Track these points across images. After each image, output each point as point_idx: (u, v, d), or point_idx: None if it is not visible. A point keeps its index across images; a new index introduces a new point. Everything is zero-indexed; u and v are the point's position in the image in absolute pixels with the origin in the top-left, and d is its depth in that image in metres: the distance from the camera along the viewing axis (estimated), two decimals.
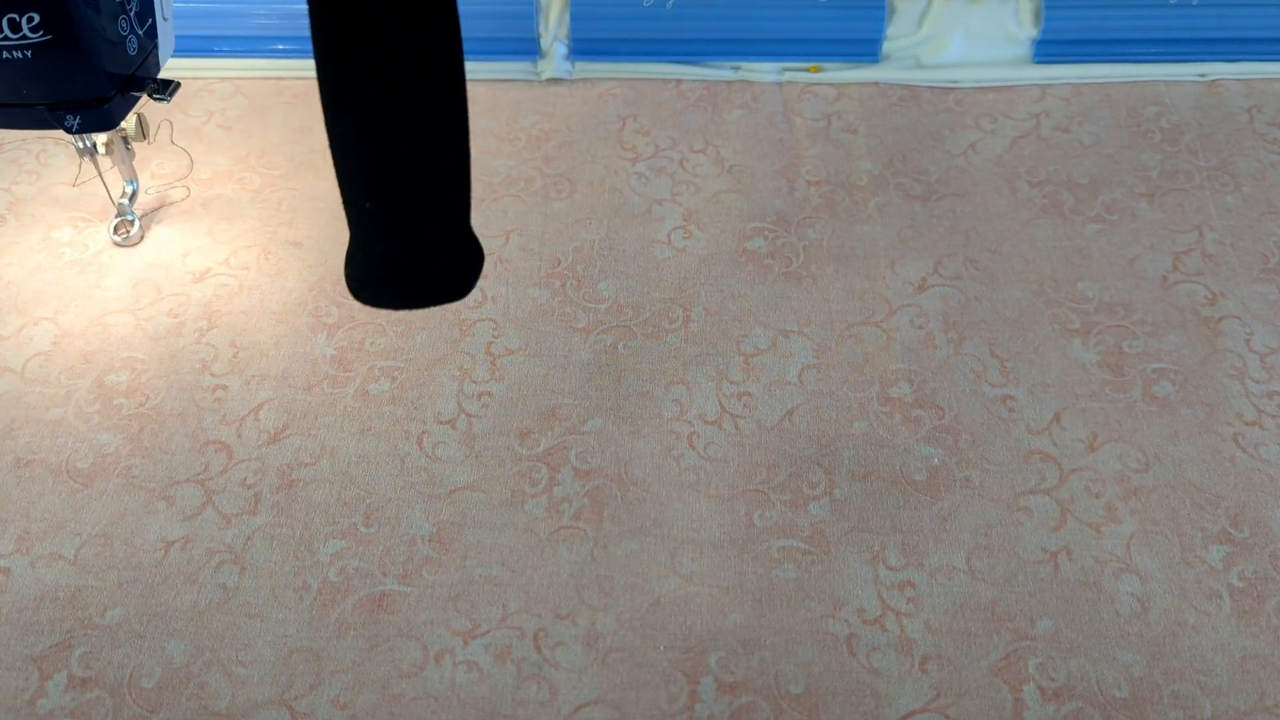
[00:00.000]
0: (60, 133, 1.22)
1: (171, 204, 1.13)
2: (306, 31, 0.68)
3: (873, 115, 1.24)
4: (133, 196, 1.10)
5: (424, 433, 0.95)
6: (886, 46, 1.31)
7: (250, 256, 1.09)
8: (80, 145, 1.02)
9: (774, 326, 1.03)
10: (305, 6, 0.67)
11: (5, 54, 0.85)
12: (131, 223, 1.10)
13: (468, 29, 1.43)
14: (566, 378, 0.99)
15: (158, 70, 0.99)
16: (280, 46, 1.30)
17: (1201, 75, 1.29)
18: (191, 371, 0.99)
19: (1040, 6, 1.29)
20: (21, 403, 0.97)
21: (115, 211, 1.10)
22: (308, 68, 1.29)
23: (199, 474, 0.92)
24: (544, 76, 1.29)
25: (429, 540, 0.88)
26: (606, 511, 0.90)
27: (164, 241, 1.10)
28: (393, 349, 1.01)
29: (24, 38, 0.85)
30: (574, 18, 1.29)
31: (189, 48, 1.28)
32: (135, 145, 1.06)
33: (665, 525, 0.89)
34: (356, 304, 1.04)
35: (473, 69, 1.29)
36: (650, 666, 0.81)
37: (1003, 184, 1.16)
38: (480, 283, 1.06)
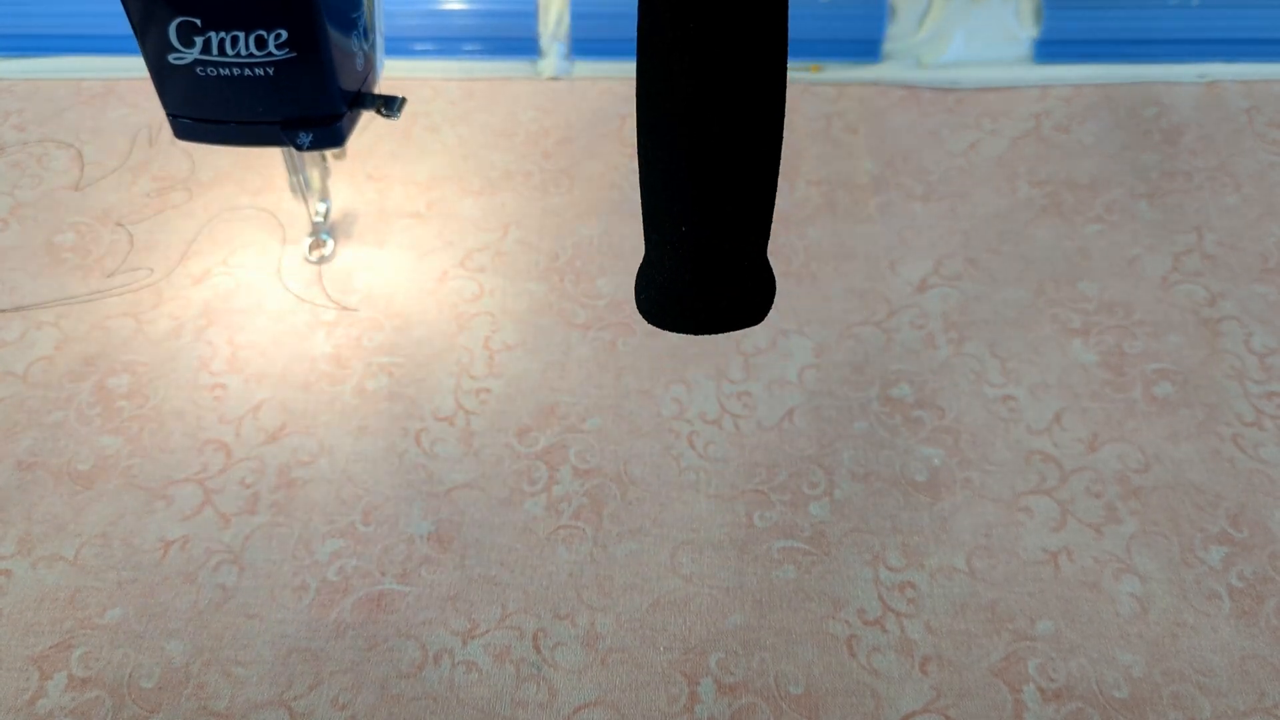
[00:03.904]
0: (63, 135, 1.23)
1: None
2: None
3: (873, 115, 1.24)
4: (326, 214, 1.09)
5: (422, 430, 0.95)
6: (887, 46, 1.31)
7: (248, 255, 1.09)
8: (292, 169, 1.02)
9: (774, 326, 1.03)
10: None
11: (249, 71, 0.84)
12: (325, 241, 1.09)
13: (467, 29, 1.43)
14: (565, 375, 0.99)
15: (375, 85, 0.97)
16: None
17: (1201, 75, 1.29)
18: (190, 370, 0.99)
19: (1040, 6, 1.29)
20: (24, 407, 0.97)
21: (310, 230, 1.10)
22: None
23: (198, 473, 0.92)
24: (544, 75, 1.29)
25: (427, 539, 0.88)
26: (606, 511, 0.90)
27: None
28: (390, 344, 1.01)
29: (269, 55, 0.83)
30: (574, 17, 1.29)
31: None
32: (331, 162, 1.07)
33: (665, 525, 0.89)
34: (354, 301, 1.04)
35: (472, 68, 1.30)
36: (650, 667, 0.81)
37: (1003, 184, 1.16)
38: (478, 276, 1.06)
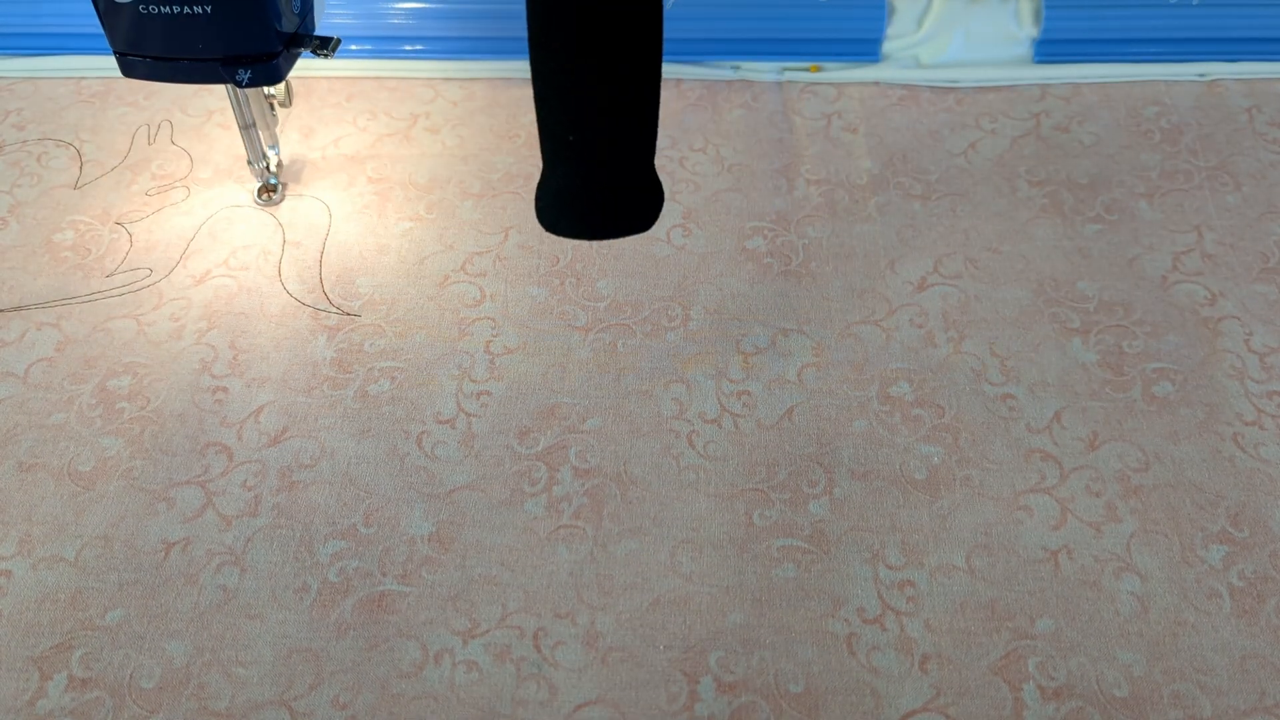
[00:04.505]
0: (63, 133, 1.23)
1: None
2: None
3: (873, 115, 1.24)
4: (275, 161, 1.15)
5: (423, 432, 0.95)
6: (886, 46, 1.31)
7: (249, 257, 1.09)
8: (239, 109, 1.07)
9: (773, 325, 1.03)
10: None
11: (188, 9, 0.92)
12: (274, 187, 1.15)
13: (466, 29, 1.43)
14: (566, 376, 0.99)
15: (314, 29, 1.03)
16: None
17: (1201, 75, 1.29)
18: (191, 373, 0.99)
19: (1040, 6, 1.30)
20: (24, 408, 0.97)
21: (260, 175, 1.15)
22: (306, 67, 1.29)
23: (199, 476, 0.92)
24: None
25: (428, 540, 0.88)
26: (606, 510, 0.90)
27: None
28: (392, 349, 1.01)
29: None
30: None
31: None
32: (280, 111, 1.12)
33: (665, 524, 0.89)
34: (356, 306, 1.04)
35: (471, 68, 1.30)
36: (650, 666, 0.81)
37: (1003, 183, 1.16)
38: (479, 280, 1.07)
